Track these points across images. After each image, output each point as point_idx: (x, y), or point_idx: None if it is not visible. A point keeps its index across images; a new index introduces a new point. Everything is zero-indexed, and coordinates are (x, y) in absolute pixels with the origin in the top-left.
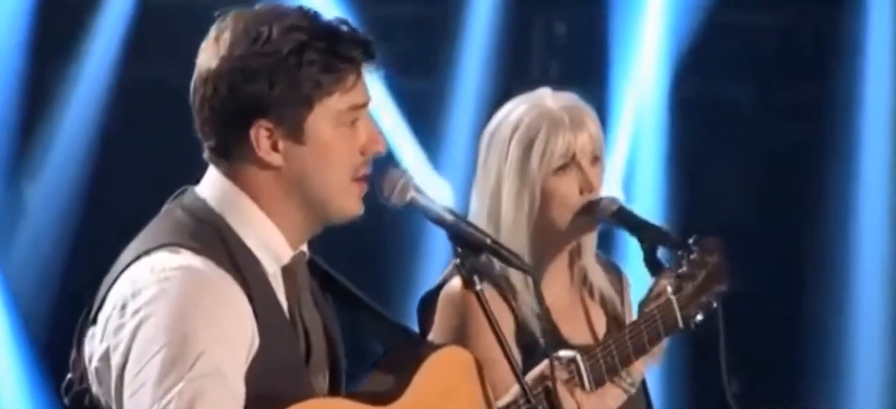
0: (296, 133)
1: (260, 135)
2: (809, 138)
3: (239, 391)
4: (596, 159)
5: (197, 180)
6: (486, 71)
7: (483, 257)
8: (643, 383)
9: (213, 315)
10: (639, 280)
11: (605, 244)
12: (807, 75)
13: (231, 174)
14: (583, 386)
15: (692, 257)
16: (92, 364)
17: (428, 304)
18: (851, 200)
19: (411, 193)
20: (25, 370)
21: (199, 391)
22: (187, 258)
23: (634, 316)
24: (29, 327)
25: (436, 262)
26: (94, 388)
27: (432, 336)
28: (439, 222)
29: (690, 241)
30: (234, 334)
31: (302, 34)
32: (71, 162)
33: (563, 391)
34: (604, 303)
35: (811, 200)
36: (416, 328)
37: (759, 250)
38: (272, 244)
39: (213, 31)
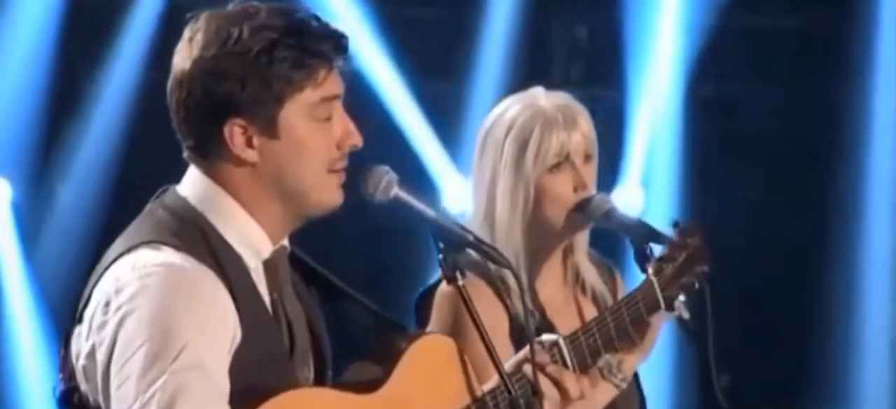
0: (270, 129)
1: (234, 133)
2: (824, 139)
3: (222, 383)
4: (588, 158)
5: None
6: (507, 73)
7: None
8: (636, 378)
9: (194, 310)
10: (635, 279)
11: (606, 244)
12: (822, 76)
13: (210, 172)
14: (566, 367)
15: (673, 240)
16: (79, 362)
17: (425, 299)
18: (861, 201)
19: (394, 190)
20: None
21: (181, 384)
22: (169, 255)
23: None
24: (58, 325)
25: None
26: (82, 385)
27: (430, 329)
28: (422, 218)
29: (672, 224)
30: (215, 327)
31: (272, 32)
32: (99, 162)
33: (546, 376)
34: (596, 300)
35: (824, 200)
36: (413, 323)
37: (773, 250)
38: (253, 239)
39: (186, 33)
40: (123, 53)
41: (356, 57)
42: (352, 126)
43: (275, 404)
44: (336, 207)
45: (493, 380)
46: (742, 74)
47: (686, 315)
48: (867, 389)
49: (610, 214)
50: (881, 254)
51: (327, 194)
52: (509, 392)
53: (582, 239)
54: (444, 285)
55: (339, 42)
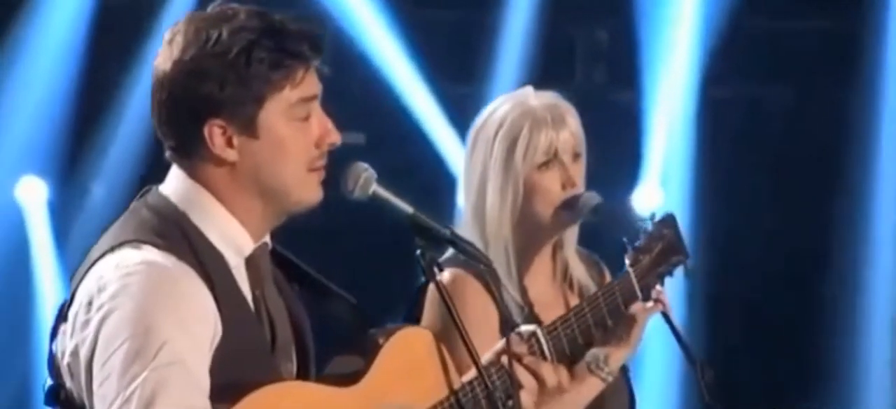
0: (249, 129)
1: (214, 133)
2: (836, 140)
3: (202, 379)
4: (577, 156)
5: None
6: (528, 77)
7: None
8: (626, 373)
9: (175, 308)
10: None
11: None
12: (837, 78)
13: (191, 172)
14: (543, 358)
15: (649, 231)
16: (64, 359)
17: (419, 293)
18: (872, 203)
19: (373, 187)
20: None
21: (161, 380)
22: (150, 254)
23: None
24: None
25: None
26: (68, 382)
27: (423, 324)
28: (400, 214)
29: (648, 216)
30: (195, 325)
31: (250, 33)
32: (130, 161)
33: (522, 366)
34: (584, 295)
35: (836, 201)
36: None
37: (785, 250)
38: (234, 237)
39: (166, 35)
40: (153, 54)
41: (378, 60)
42: (330, 125)
43: (255, 397)
44: (316, 204)
45: (471, 372)
46: (757, 76)
47: (671, 311)
48: (872, 391)
49: (598, 210)
50: (890, 257)
51: (307, 192)
52: (485, 384)
53: (571, 235)
54: (440, 276)
55: (316, 42)
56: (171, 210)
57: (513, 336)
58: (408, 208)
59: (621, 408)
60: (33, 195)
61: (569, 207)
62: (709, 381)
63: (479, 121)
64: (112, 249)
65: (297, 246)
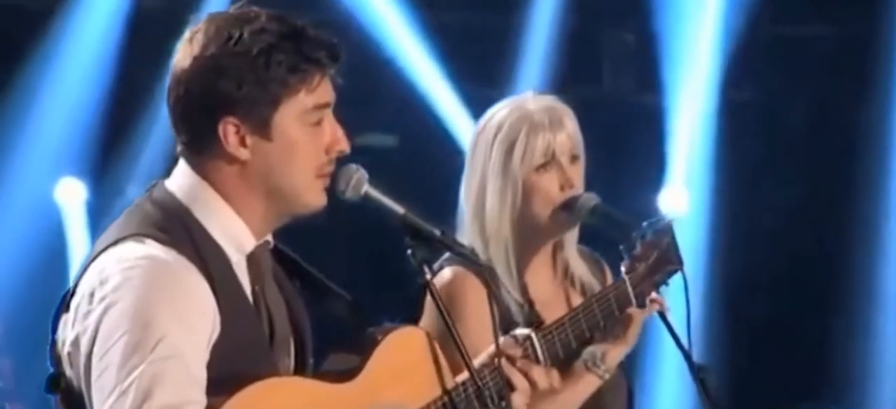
0: (263, 130)
1: (228, 131)
2: (858, 144)
3: (199, 373)
4: (575, 158)
5: None
6: (554, 80)
7: (473, 251)
8: (624, 369)
9: (174, 302)
10: None
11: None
12: (856, 83)
13: (199, 168)
14: (538, 362)
15: (646, 239)
16: (65, 349)
17: (419, 294)
18: (889, 205)
19: (365, 187)
20: None
21: (159, 373)
22: (152, 248)
23: None
24: None
25: None
26: (68, 371)
27: (422, 323)
28: (391, 214)
29: (644, 224)
30: (194, 319)
31: (270, 36)
32: (165, 161)
33: (515, 368)
34: (585, 293)
35: (856, 204)
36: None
37: (805, 252)
38: (236, 235)
39: (187, 33)
40: None
41: (408, 65)
42: (340, 132)
43: (251, 391)
44: (320, 209)
45: (465, 373)
46: (778, 80)
47: (668, 309)
48: (886, 393)
49: (596, 211)
50: None
51: (313, 197)
52: (477, 384)
53: (572, 235)
54: (438, 278)
55: (333, 50)
56: (175, 205)
57: (507, 338)
58: (399, 209)
59: (620, 404)
60: (71, 196)
61: (567, 208)
62: (706, 381)
63: (479, 125)
64: (115, 242)
65: (303, 243)
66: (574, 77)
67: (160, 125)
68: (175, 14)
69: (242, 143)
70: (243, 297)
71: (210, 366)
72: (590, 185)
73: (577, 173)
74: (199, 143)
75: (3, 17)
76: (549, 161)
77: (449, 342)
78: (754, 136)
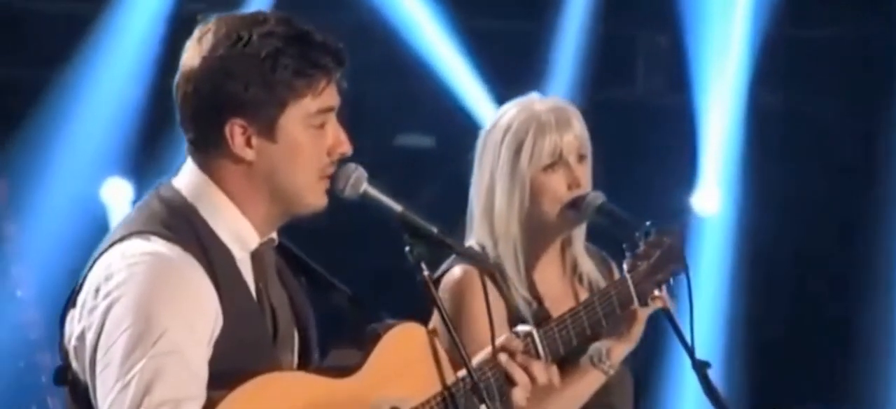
0: (268, 131)
1: (235, 132)
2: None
3: (199, 368)
4: (582, 157)
5: None
6: (589, 83)
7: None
8: (631, 365)
9: (176, 298)
10: None
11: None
12: (883, 86)
13: (205, 166)
14: (538, 357)
15: (649, 238)
16: (71, 343)
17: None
18: None
19: (364, 186)
20: None
21: (159, 368)
22: (157, 245)
23: None
24: None
25: None
26: (74, 365)
27: (432, 321)
28: (389, 213)
29: (648, 224)
30: (196, 315)
31: (278, 40)
32: None
33: (515, 363)
34: (592, 290)
35: (879, 207)
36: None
37: (832, 253)
38: (240, 233)
39: (196, 32)
40: None
41: (445, 69)
42: (343, 135)
43: (252, 386)
44: (321, 209)
45: (463, 370)
46: (806, 83)
47: (671, 306)
48: None
49: (601, 209)
50: None
51: (315, 198)
52: (473, 380)
53: (579, 233)
54: (447, 277)
55: (340, 55)
56: (181, 203)
57: (509, 334)
58: (397, 207)
59: (626, 399)
60: (117, 196)
61: (574, 206)
62: (703, 371)
63: (487, 126)
64: (122, 239)
65: (308, 242)
66: (608, 79)
67: None
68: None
69: (248, 143)
70: (247, 294)
71: (212, 362)
72: (624, 185)
73: (585, 173)
74: (205, 142)
75: (49, 20)
76: (557, 161)
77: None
78: (782, 139)
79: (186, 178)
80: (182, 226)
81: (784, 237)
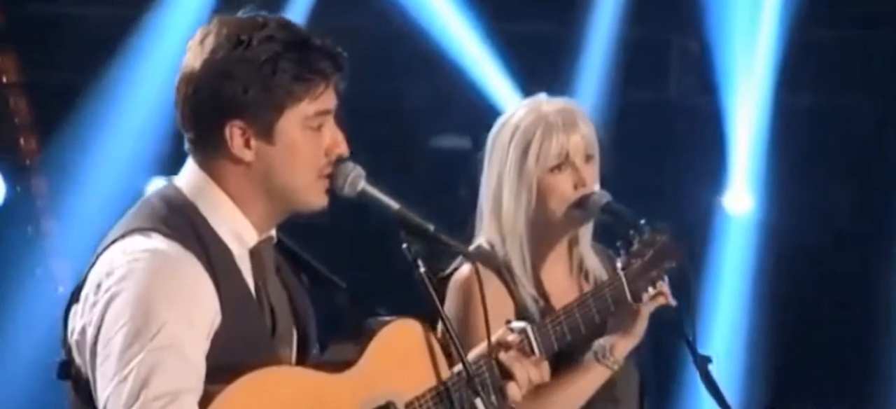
0: (267, 133)
1: (234, 133)
2: None
3: (197, 362)
4: (589, 158)
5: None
6: (623, 86)
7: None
8: (637, 361)
9: (175, 293)
10: None
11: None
12: None
13: (205, 166)
14: (533, 353)
15: (643, 237)
16: (73, 337)
17: (441, 285)
18: None
19: (361, 184)
20: None
21: (157, 361)
22: (157, 241)
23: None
24: None
25: None
26: (77, 359)
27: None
28: (386, 211)
29: (642, 222)
30: (194, 310)
31: (278, 45)
32: None
33: (510, 358)
34: (589, 279)
35: None
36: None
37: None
38: (239, 230)
39: (198, 34)
40: None
41: (478, 70)
42: (340, 136)
43: (249, 379)
44: (321, 208)
45: (459, 364)
46: (836, 84)
47: (673, 303)
48: None
49: (607, 209)
50: None
51: (314, 197)
52: (468, 374)
53: (586, 231)
54: (456, 276)
55: (338, 61)
56: (181, 200)
57: (504, 330)
58: (394, 205)
59: (631, 394)
60: None
61: (580, 206)
62: (703, 365)
63: (495, 127)
64: (123, 235)
65: (312, 240)
66: (640, 81)
67: None
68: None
69: (247, 145)
70: (245, 290)
71: (210, 356)
72: (657, 186)
73: (591, 173)
74: (205, 142)
75: (92, 24)
76: (563, 162)
77: (468, 331)
78: (811, 139)
79: (187, 176)
80: (182, 223)
81: (808, 237)
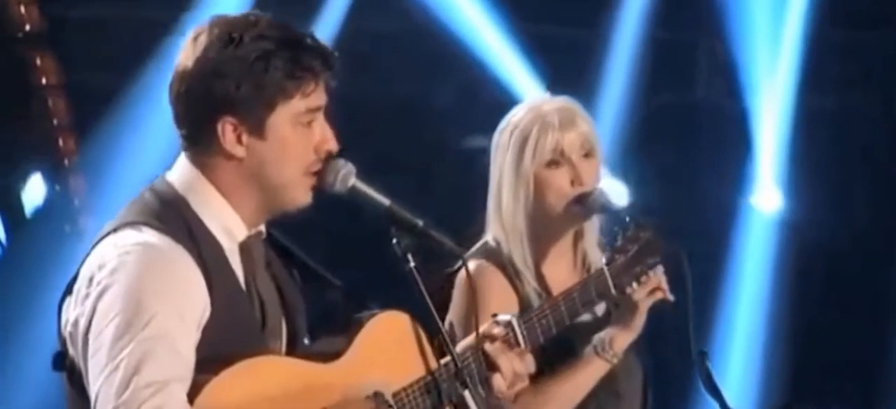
0: (258, 130)
1: (226, 129)
2: None
3: (186, 352)
4: (588, 155)
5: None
6: (646, 86)
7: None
8: (640, 354)
9: (165, 285)
10: None
11: None
12: None
13: (197, 162)
14: (518, 345)
15: (627, 233)
16: (67, 330)
17: (447, 282)
18: None
19: (352, 181)
20: None
21: (148, 351)
22: (147, 235)
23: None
24: None
25: None
26: (71, 351)
27: (450, 310)
28: (377, 207)
29: (627, 219)
30: (184, 302)
31: (269, 43)
32: None
33: (496, 350)
34: None
35: None
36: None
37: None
38: (229, 225)
39: (191, 33)
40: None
41: (505, 72)
42: (329, 133)
43: (238, 369)
44: (306, 205)
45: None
46: (860, 85)
47: (671, 298)
48: None
49: (606, 207)
50: None
51: (300, 194)
52: (456, 365)
53: (591, 227)
54: (462, 271)
55: (328, 59)
56: (172, 195)
57: (491, 322)
58: (384, 201)
59: (635, 387)
60: None
61: (579, 202)
62: (699, 359)
63: (499, 126)
64: (115, 229)
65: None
66: (668, 84)
67: None
68: (291, 20)
69: (239, 141)
70: (235, 283)
71: (200, 348)
72: (688, 187)
73: (590, 169)
74: (198, 138)
75: (131, 24)
76: (559, 158)
77: (469, 328)
78: (834, 139)
79: (179, 172)
80: (173, 217)
81: (830, 237)
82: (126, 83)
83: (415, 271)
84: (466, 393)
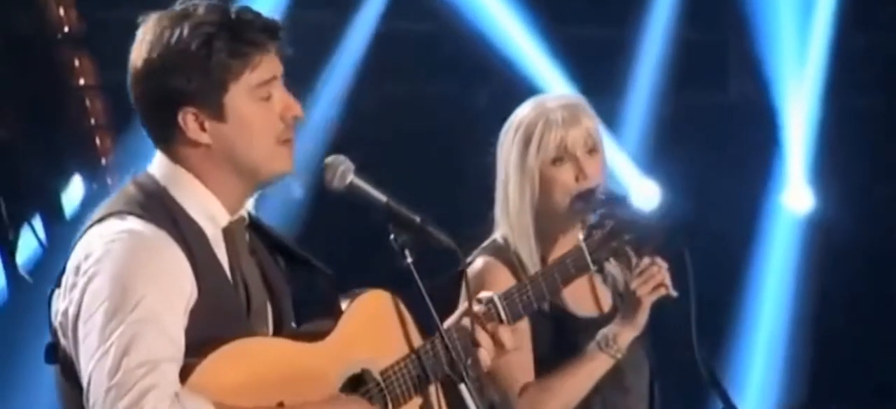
0: (218, 113)
1: (187, 120)
2: None
3: (176, 335)
4: (592, 151)
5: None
6: (676, 89)
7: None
8: (646, 350)
9: (151, 270)
10: None
11: None
12: None
13: (171, 154)
14: (501, 321)
15: (602, 211)
16: (57, 320)
17: (457, 279)
18: None
19: (350, 178)
20: None
21: (137, 333)
22: (132, 223)
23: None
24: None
25: None
26: (62, 342)
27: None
28: (374, 203)
29: (602, 198)
30: (171, 286)
31: (209, 27)
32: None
33: (479, 327)
34: (606, 279)
35: None
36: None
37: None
38: (210, 210)
39: (138, 34)
40: (337, 68)
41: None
42: (291, 99)
43: (226, 350)
44: (288, 173)
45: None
46: (889, 84)
47: (674, 294)
48: None
49: (611, 202)
50: None
51: (278, 163)
52: (444, 341)
53: None
54: (474, 265)
55: (269, 29)
56: (154, 186)
57: (473, 301)
58: (382, 198)
59: (642, 382)
60: None
61: (583, 198)
62: (704, 356)
63: (506, 125)
64: (100, 220)
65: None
66: (697, 83)
67: (311, 131)
68: (325, 27)
69: (202, 128)
70: (220, 268)
71: (188, 331)
72: (718, 187)
73: (594, 165)
74: (164, 134)
75: None
76: (563, 155)
77: None
78: (866, 138)
79: (158, 164)
80: (156, 206)
81: (860, 237)
82: None
83: (412, 267)
84: (451, 371)
